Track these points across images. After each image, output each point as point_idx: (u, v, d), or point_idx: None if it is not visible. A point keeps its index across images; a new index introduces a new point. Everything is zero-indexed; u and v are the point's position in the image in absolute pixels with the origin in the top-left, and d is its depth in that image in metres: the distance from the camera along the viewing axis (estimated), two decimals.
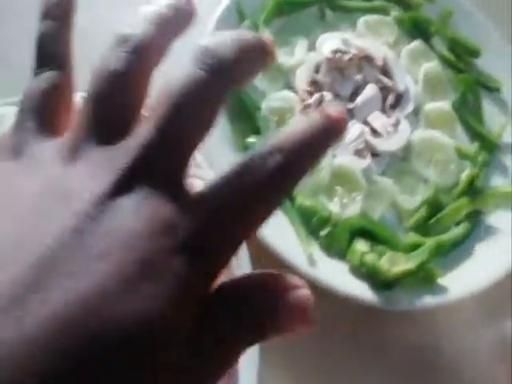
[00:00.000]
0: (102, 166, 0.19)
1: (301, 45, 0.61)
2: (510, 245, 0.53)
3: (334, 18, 0.66)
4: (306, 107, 0.55)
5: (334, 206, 0.50)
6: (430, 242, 0.48)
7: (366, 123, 0.58)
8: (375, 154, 0.56)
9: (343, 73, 0.60)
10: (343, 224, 0.48)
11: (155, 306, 0.17)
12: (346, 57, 0.59)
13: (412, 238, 0.51)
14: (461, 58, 0.68)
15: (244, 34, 0.23)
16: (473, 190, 0.56)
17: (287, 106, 0.56)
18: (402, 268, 0.46)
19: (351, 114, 0.58)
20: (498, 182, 0.59)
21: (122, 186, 0.19)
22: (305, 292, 0.20)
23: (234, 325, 0.19)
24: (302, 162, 0.21)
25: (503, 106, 0.65)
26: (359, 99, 0.58)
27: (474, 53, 0.67)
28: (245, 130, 0.53)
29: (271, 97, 0.56)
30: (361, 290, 0.45)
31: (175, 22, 0.24)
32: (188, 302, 0.18)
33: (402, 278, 0.46)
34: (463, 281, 0.49)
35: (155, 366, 0.17)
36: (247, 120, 0.53)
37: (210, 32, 0.57)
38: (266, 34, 0.58)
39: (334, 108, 0.22)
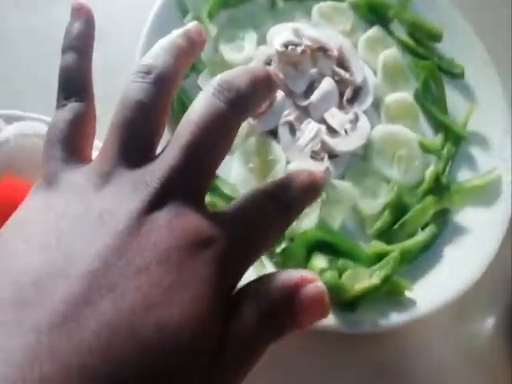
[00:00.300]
0: (133, 187, 0.21)
1: (249, 39, 0.54)
2: (480, 243, 0.49)
3: (286, 7, 0.59)
4: None
5: None
6: (394, 253, 0.43)
7: (322, 121, 0.53)
8: (333, 155, 0.50)
9: (297, 67, 0.54)
10: (299, 238, 0.43)
11: (192, 310, 0.19)
12: (299, 49, 0.53)
13: (375, 246, 0.45)
14: (421, 42, 0.62)
15: (255, 68, 0.27)
16: (438, 186, 0.51)
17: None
18: (366, 284, 0.41)
19: (306, 112, 0.53)
20: (465, 175, 0.54)
21: (155, 203, 0.21)
22: (318, 285, 0.21)
23: (253, 325, 0.20)
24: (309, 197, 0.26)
25: (467, 92, 0.60)
26: (314, 96, 0.52)
27: (436, 37, 0.62)
28: None
29: None
30: None
31: (189, 53, 0.27)
32: (219, 305, 0.20)
33: (366, 295, 0.41)
34: (433, 291, 0.44)
35: (198, 366, 0.19)
36: None
37: (148, 26, 0.51)
38: (214, 30, 0.52)
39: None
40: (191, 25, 0.28)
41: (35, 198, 0.22)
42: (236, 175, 0.46)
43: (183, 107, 0.46)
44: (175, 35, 0.27)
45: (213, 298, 0.20)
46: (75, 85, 0.25)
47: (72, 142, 0.24)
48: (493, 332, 0.50)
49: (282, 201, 0.24)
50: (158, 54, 0.25)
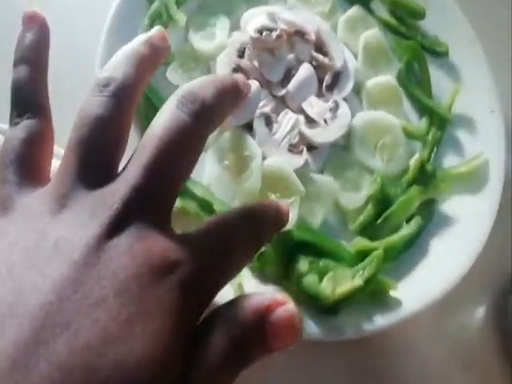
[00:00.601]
0: (92, 210, 0.19)
1: (221, 25, 0.50)
2: (467, 234, 0.46)
3: None
4: None
5: None
6: (377, 251, 0.40)
7: (300, 111, 0.49)
8: (312, 147, 0.47)
9: (273, 53, 0.50)
10: (277, 240, 0.40)
11: (154, 343, 0.17)
12: (274, 34, 0.49)
13: (359, 244, 0.42)
14: (404, 21, 0.58)
15: (223, 78, 0.26)
16: (424, 175, 0.47)
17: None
18: (348, 287, 0.38)
19: (283, 102, 0.49)
20: (452, 161, 0.50)
21: (115, 227, 0.19)
22: (289, 308, 0.20)
23: (222, 355, 0.19)
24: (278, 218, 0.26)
25: (452, 71, 0.56)
26: (291, 84, 0.48)
27: (419, 14, 0.57)
28: None
29: None
30: None
31: (153, 62, 0.25)
32: (184, 336, 0.19)
33: (349, 298, 0.38)
34: (419, 288, 0.40)
35: None
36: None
37: (112, 16, 0.47)
38: (183, 19, 0.48)
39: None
40: (154, 30, 0.26)
41: None
42: (209, 174, 0.42)
43: (149, 103, 0.43)
44: (137, 42, 0.25)
45: (176, 328, 0.18)
46: (28, 100, 0.23)
47: (26, 163, 0.22)
48: (483, 322, 0.47)
49: (253, 224, 0.24)
50: (119, 63, 0.24)
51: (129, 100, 0.23)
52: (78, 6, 0.54)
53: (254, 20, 0.49)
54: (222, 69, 0.47)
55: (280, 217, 0.26)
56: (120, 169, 0.23)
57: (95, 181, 0.21)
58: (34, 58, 0.24)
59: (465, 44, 0.55)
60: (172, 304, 0.19)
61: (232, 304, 0.21)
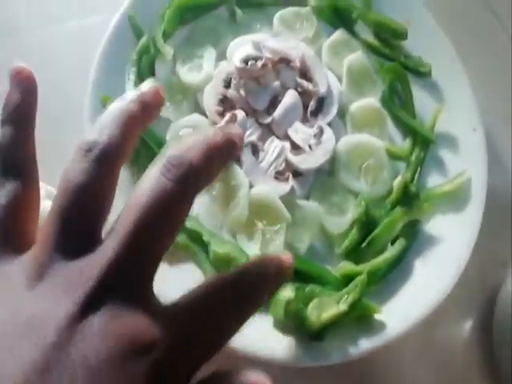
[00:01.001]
0: (68, 285, 0.19)
1: (208, 57, 0.51)
2: (450, 253, 0.46)
3: (246, 18, 0.56)
4: None
5: (254, 247, 0.42)
6: (361, 276, 0.41)
7: (286, 137, 0.50)
8: (298, 173, 0.48)
9: (259, 81, 0.51)
10: None
11: None
12: (259, 64, 0.50)
13: (344, 268, 0.43)
14: (387, 42, 0.59)
15: (211, 135, 0.24)
16: (407, 196, 0.48)
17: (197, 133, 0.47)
18: (333, 312, 0.39)
19: (269, 129, 0.50)
20: (436, 180, 0.51)
21: (89, 305, 0.18)
22: (261, 379, 0.19)
23: None
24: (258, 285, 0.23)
25: (435, 90, 0.57)
26: (277, 112, 0.49)
27: (401, 35, 0.58)
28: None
29: (177, 124, 0.47)
30: (285, 350, 0.38)
31: (143, 120, 0.24)
32: None
33: (334, 323, 0.39)
34: (403, 310, 0.41)
35: None
36: (148, 160, 0.45)
37: (101, 51, 0.48)
38: (170, 52, 0.49)
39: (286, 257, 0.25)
40: (146, 86, 0.27)
41: None
42: (198, 205, 0.43)
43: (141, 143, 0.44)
44: (126, 100, 0.24)
45: None
46: (12, 163, 0.23)
47: (8, 229, 0.22)
48: (468, 340, 0.48)
49: (242, 291, 0.22)
50: (105, 124, 0.23)
51: (113, 163, 0.22)
52: (64, 47, 0.54)
53: (239, 50, 0.50)
54: (209, 100, 0.48)
55: (282, 272, 0.24)
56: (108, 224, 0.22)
57: (75, 250, 0.20)
58: (19, 118, 0.24)
59: (446, 63, 0.56)
60: None
61: (209, 379, 0.20)
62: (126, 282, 0.20)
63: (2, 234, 0.21)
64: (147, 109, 0.25)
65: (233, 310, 0.21)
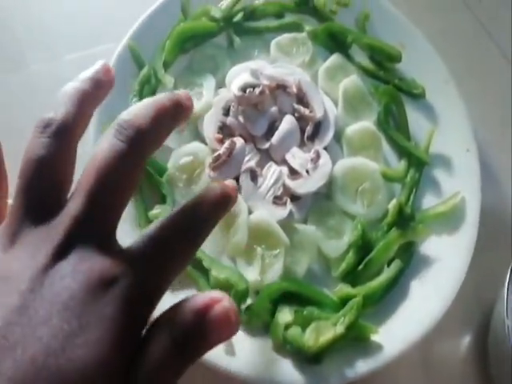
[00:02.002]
0: (39, 243, 0.21)
1: (208, 85, 0.52)
2: (446, 273, 0.47)
3: (244, 45, 0.57)
4: (216, 159, 0.47)
5: (253, 271, 0.43)
6: (357, 298, 0.41)
7: (283, 162, 0.51)
8: (296, 198, 0.48)
9: (257, 108, 0.52)
10: (263, 293, 0.41)
11: (92, 352, 0.19)
12: (257, 91, 0.51)
13: (341, 291, 0.44)
14: (382, 65, 0.59)
15: (159, 98, 0.26)
16: (402, 217, 0.49)
17: (197, 161, 0.48)
18: (331, 335, 0.39)
19: (267, 154, 0.51)
20: (431, 201, 0.52)
21: (59, 255, 0.21)
22: (225, 304, 0.22)
23: (166, 354, 0.20)
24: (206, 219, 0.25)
25: (429, 111, 0.57)
26: (275, 137, 0.50)
27: (395, 58, 0.59)
28: (148, 201, 0.45)
29: (178, 152, 0.48)
30: (284, 374, 0.39)
31: (95, 97, 0.26)
32: (125, 343, 0.20)
33: (332, 346, 0.40)
34: (400, 331, 0.42)
35: None
36: (151, 187, 0.46)
37: None
38: (170, 81, 0.50)
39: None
40: (97, 64, 0.27)
41: None
42: None
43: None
44: (80, 79, 0.26)
45: (117, 337, 0.20)
46: None
47: None
48: (464, 359, 0.48)
49: (189, 225, 0.24)
50: (61, 102, 0.25)
51: (70, 137, 0.24)
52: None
53: (237, 78, 0.51)
54: (209, 127, 0.49)
55: (224, 198, 0.26)
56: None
57: (41, 218, 0.22)
58: None
59: (440, 84, 0.57)
60: (112, 315, 0.20)
61: (173, 308, 0.22)
62: (89, 233, 0.22)
63: None
64: (99, 85, 0.26)
65: (184, 244, 0.24)
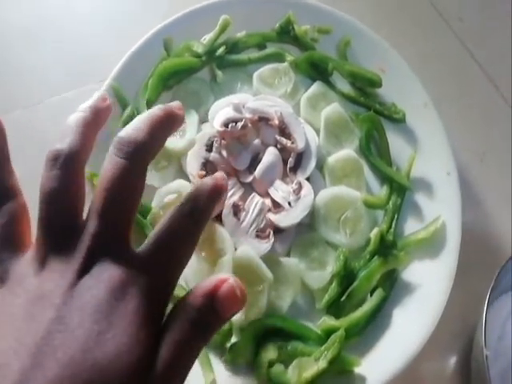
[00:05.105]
0: (66, 264, 0.24)
1: (191, 122, 0.52)
2: (428, 299, 0.47)
3: (227, 78, 0.57)
4: None
5: None
6: (339, 331, 0.41)
7: (266, 194, 0.51)
8: (279, 230, 0.49)
9: (240, 141, 0.52)
10: (247, 331, 0.41)
11: (120, 343, 0.22)
12: (239, 125, 0.51)
13: (324, 324, 0.43)
14: (363, 90, 0.60)
15: (152, 110, 0.28)
16: (384, 245, 0.49)
17: (181, 198, 0.48)
18: (314, 371, 0.39)
19: (250, 187, 0.51)
20: (413, 226, 0.51)
21: (84, 270, 0.24)
22: (230, 282, 0.25)
23: (184, 333, 0.23)
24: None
25: (410, 135, 0.57)
26: (258, 171, 0.50)
27: (376, 83, 0.59)
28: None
29: (162, 191, 0.48)
30: None
31: (96, 123, 0.28)
32: (147, 333, 0.23)
33: (315, 381, 0.40)
34: (383, 361, 0.42)
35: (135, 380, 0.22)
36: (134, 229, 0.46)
37: None
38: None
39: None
40: (96, 94, 0.30)
41: None
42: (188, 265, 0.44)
43: None
44: (80, 109, 0.28)
45: (140, 328, 0.23)
46: (1, 190, 0.27)
47: (12, 241, 0.26)
48: (450, 374, 0.48)
49: (189, 221, 0.27)
50: (65, 134, 0.27)
51: (77, 164, 0.26)
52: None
53: (220, 113, 0.51)
54: (192, 164, 0.49)
55: (217, 188, 0.28)
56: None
57: (63, 240, 0.25)
58: None
59: (420, 108, 0.56)
60: (133, 311, 0.23)
61: (186, 296, 0.25)
62: (108, 245, 0.25)
63: (8, 247, 0.26)
64: (98, 112, 0.29)
65: (183, 237, 0.26)
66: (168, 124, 0.29)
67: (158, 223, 0.26)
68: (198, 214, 0.27)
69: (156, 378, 0.22)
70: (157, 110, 0.28)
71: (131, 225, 0.26)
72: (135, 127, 0.27)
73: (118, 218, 0.25)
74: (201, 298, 0.24)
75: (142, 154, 0.26)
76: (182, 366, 0.23)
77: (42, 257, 0.25)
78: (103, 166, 0.26)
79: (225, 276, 0.25)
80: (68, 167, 0.26)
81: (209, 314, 0.24)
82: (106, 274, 0.24)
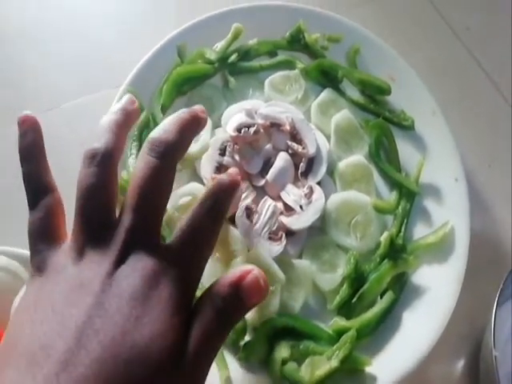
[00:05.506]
0: (102, 255, 0.26)
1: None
2: (437, 302, 0.48)
3: (239, 85, 0.58)
4: None
5: None
6: (350, 331, 0.42)
7: (278, 198, 0.52)
8: (291, 232, 0.50)
9: (252, 146, 0.53)
10: (260, 329, 0.42)
11: (156, 327, 0.24)
12: (252, 130, 0.52)
13: (336, 324, 0.44)
14: (372, 98, 0.61)
15: (180, 113, 0.31)
16: (394, 249, 0.50)
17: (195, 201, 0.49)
18: (326, 369, 0.40)
19: (263, 191, 0.52)
20: (422, 231, 0.52)
21: (120, 260, 0.26)
22: (254, 272, 0.27)
23: (212, 320, 0.25)
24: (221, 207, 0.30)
25: (418, 142, 0.58)
26: (270, 175, 0.51)
27: (385, 91, 0.60)
28: None
29: (177, 193, 0.49)
30: None
31: (127, 123, 0.31)
32: (179, 318, 0.25)
33: (327, 380, 0.40)
34: (394, 362, 0.42)
35: (167, 372, 0.24)
36: None
37: None
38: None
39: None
40: (124, 97, 0.32)
41: (31, 286, 0.27)
42: None
43: None
44: (112, 111, 0.31)
45: (174, 311, 0.25)
46: (39, 186, 0.29)
47: (49, 233, 0.28)
48: (459, 377, 0.49)
49: (212, 211, 0.29)
50: (101, 134, 0.29)
51: (112, 162, 0.28)
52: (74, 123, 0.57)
53: (232, 118, 0.52)
54: (206, 168, 0.50)
55: (233, 183, 0.31)
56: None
57: (99, 233, 0.27)
58: (32, 155, 0.30)
59: (428, 116, 0.57)
60: (166, 298, 0.25)
61: (212, 286, 0.27)
62: (141, 237, 0.26)
63: (46, 239, 0.28)
64: (128, 114, 0.31)
65: (209, 227, 0.28)
66: (194, 126, 0.31)
67: (180, 220, 0.28)
68: (217, 208, 0.29)
69: (187, 363, 0.24)
70: (185, 113, 0.30)
71: (162, 220, 0.28)
72: (166, 128, 0.29)
73: (150, 213, 0.27)
74: (227, 287, 0.26)
75: (172, 154, 0.28)
76: (208, 353, 0.25)
77: (79, 248, 0.26)
78: (136, 165, 0.28)
79: (249, 267, 0.27)
80: (105, 165, 0.28)
81: (234, 301, 0.26)
82: (140, 265, 0.25)
